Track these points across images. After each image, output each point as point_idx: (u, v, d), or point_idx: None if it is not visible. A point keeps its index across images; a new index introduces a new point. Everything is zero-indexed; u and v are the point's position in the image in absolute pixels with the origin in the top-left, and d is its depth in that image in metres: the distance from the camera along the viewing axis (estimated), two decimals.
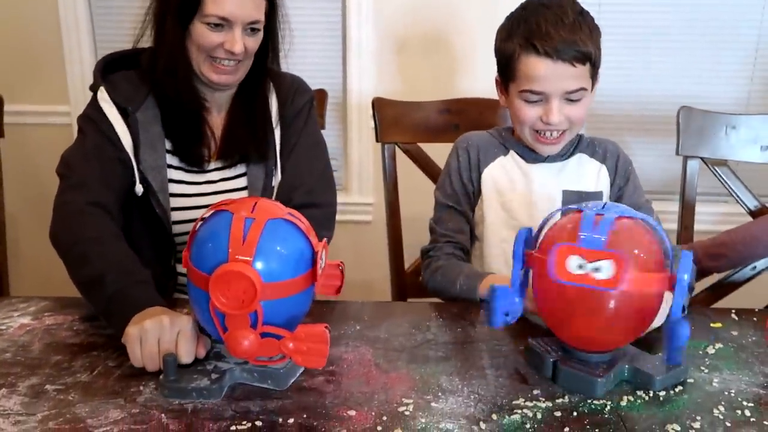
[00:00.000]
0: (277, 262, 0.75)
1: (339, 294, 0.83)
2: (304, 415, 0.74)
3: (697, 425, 0.74)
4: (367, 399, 0.78)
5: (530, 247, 0.84)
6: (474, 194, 1.21)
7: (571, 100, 1.08)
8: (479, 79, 1.89)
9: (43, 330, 0.95)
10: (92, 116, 1.12)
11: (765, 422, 0.75)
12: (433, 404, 0.77)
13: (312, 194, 1.21)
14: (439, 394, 0.79)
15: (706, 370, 0.86)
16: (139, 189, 1.11)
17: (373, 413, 0.75)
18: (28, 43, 2.01)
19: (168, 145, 1.15)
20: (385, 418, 0.74)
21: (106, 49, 2.01)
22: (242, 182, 1.20)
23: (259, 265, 0.73)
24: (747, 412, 0.77)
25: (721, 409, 0.77)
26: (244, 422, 0.72)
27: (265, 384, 0.80)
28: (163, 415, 0.74)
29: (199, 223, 0.80)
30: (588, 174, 1.18)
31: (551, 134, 1.11)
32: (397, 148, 1.50)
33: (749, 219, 1.38)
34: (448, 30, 1.93)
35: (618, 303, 0.77)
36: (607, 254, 0.73)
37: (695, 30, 1.89)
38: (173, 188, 1.16)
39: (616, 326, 0.80)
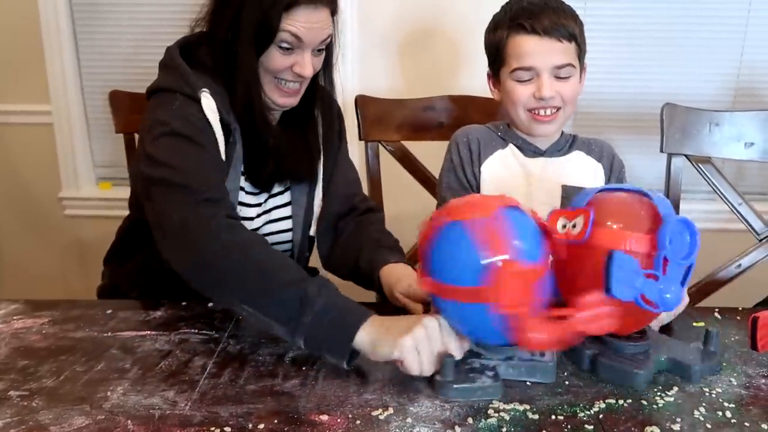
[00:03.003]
0: (524, 241, 0.76)
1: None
2: (275, 421, 0.72)
3: (677, 427, 0.72)
4: (340, 402, 0.76)
5: None
6: (475, 188, 1.20)
7: (561, 77, 1.11)
8: (465, 77, 1.87)
9: (10, 334, 0.92)
10: (198, 123, 0.98)
11: (746, 423, 0.73)
12: (408, 408, 0.75)
13: (366, 201, 1.25)
14: (415, 397, 0.77)
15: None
16: None
17: (347, 417, 0.73)
18: (8, 42, 1.98)
19: (241, 167, 1.08)
20: (358, 422, 0.72)
21: (88, 48, 2.02)
22: (286, 198, 1.17)
23: (520, 254, 0.75)
24: (728, 414, 0.75)
25: (702, 410, 0.76)
26: (213, 428, 0.70)
27: (534, 378, 0.80)
28: (129, 421, 0.71)
29: (431, 243, 0.79)
30: (585, 171, 1.20)
31: (545, 111, 1.13)
32: (380, 146, 1.48)
33: (733, 216, 1.37)
34: (434, 28, 1.91)
35: (587, 257, 0.77)
36: (581, 211, 0.80)
37: (681, 27, 1.88)
38: (239, 211, 1.08)
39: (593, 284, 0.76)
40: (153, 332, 0.93)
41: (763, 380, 0.83)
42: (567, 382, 0.81)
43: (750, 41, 1.87)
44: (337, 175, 1.22)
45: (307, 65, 1.03)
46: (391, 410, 0.74)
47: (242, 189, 1.10)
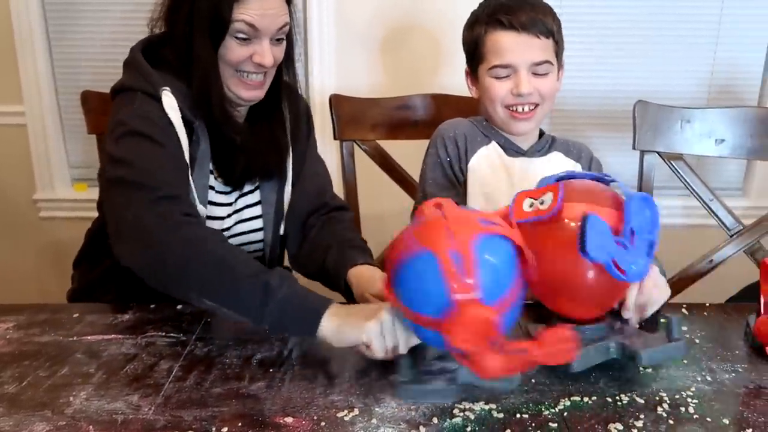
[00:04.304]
0: (494, 277, 0.72)
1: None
2: (239, 424, 0.72)
3: (639, 424, 0.73)
4: (306, 404, 0.76)
5: None
6: (462, 185, 1.18)
7: (538, 74, 1.12)
8: (445, 74, 1.87)
9: None
10: (158, 122, 0.97)
11: (708, 419, 0.74)
12: (374, 409, 0.75)
13: (336, 198, 1.24)
14: (381, 398, 0.77)
15: (651, 368, 0.85)
16: None
17: (312, 419, 0.73)
18: None
19: (210, 165, 1.07)
20: (323, 423, 0.72)
21: (61, 48, 2.00)
22: (256, 197, 1.16)
23: (483, 294, 0.70)
24: (691, 409, 0.76)
25: (665, 406, 0.76)
26: None
27: (495, 383, 0.77)
28: (91, 427, 0.71)
29: (400, 264, 0.75)
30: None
31: (523, 108, 1.13)
32: (356, 145, 1.48)
33: (705, 212, 1.38)
34: (414, 25, 1.91)
35: (557, 229, 0.79)
36: (549, 188, 0.82)
37: (656, 25, 1.89)
38: (209, 211, 1.08)
39: (565, 258, 0.78)
40: (119, 336, 0.92)
41: (727, 376, 0.84)
42: (533, 380, 0.81)
43: (723, 39, 1.89)
44: (306, 171, 1.21)
45: (267, 54, 1.02)
46: (356, 411, 0.74)
47: (212, 188, 1.09)
